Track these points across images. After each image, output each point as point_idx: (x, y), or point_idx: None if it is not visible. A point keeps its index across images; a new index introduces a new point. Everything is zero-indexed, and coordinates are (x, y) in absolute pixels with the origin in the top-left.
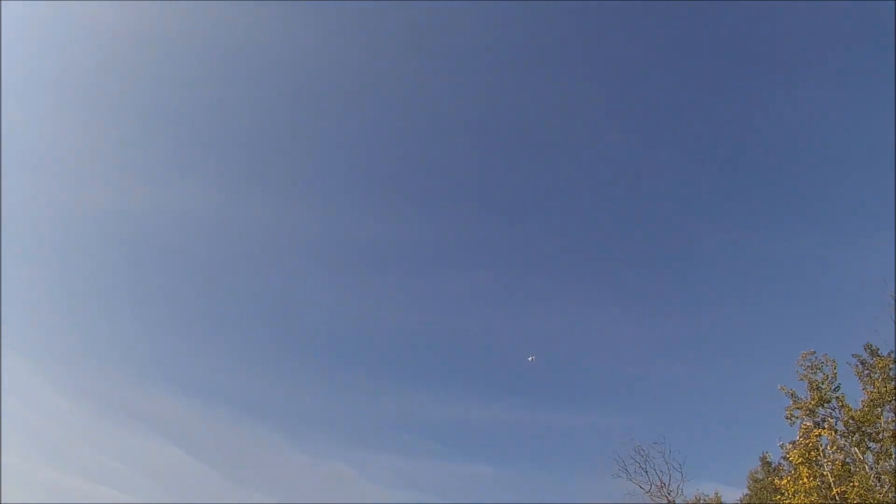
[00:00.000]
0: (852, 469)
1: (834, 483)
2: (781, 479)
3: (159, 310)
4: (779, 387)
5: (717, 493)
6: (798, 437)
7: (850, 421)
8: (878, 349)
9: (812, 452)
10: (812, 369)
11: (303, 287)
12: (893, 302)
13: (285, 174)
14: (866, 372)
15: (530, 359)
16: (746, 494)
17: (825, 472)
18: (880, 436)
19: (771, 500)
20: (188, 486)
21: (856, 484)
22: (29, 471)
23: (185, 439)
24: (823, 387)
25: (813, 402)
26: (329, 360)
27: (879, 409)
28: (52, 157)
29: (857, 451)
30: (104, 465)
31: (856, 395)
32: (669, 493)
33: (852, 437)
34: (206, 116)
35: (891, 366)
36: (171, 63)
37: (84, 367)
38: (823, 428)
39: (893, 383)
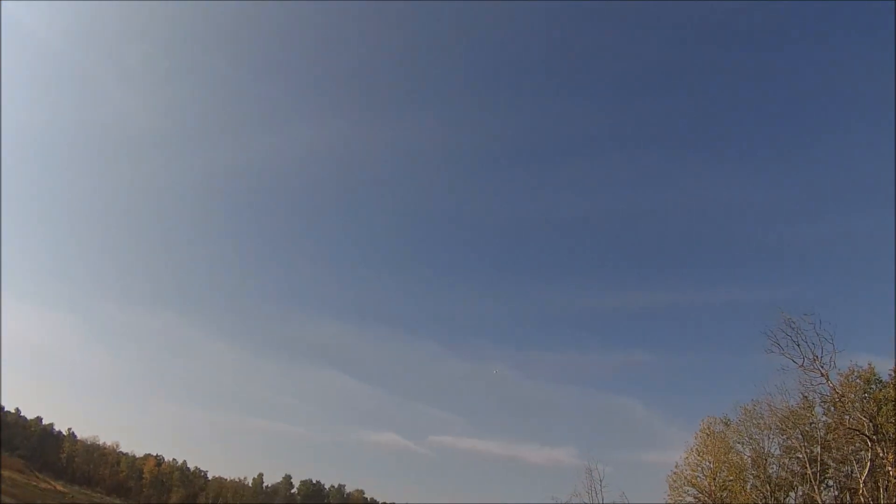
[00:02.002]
0: None
1: None
2: None
3: (301, 241)
4: None
5: (870, 365)
6: None
7: None
8: None
9: None
10: None
11: (443, 193)
12: None
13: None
14: None
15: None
16: None
17: None
18: None
19: None
20: (357, 408)
21: None
22: (213, 415)
23: (349, 364)
24: None
25: None
26: (476, 264)
27: None
28: (210, 115)
29: None
30: (273, 402)
31: None
32: (823, 366)
33: None
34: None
35: None
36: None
37: (235, 308)
38: None
39: None
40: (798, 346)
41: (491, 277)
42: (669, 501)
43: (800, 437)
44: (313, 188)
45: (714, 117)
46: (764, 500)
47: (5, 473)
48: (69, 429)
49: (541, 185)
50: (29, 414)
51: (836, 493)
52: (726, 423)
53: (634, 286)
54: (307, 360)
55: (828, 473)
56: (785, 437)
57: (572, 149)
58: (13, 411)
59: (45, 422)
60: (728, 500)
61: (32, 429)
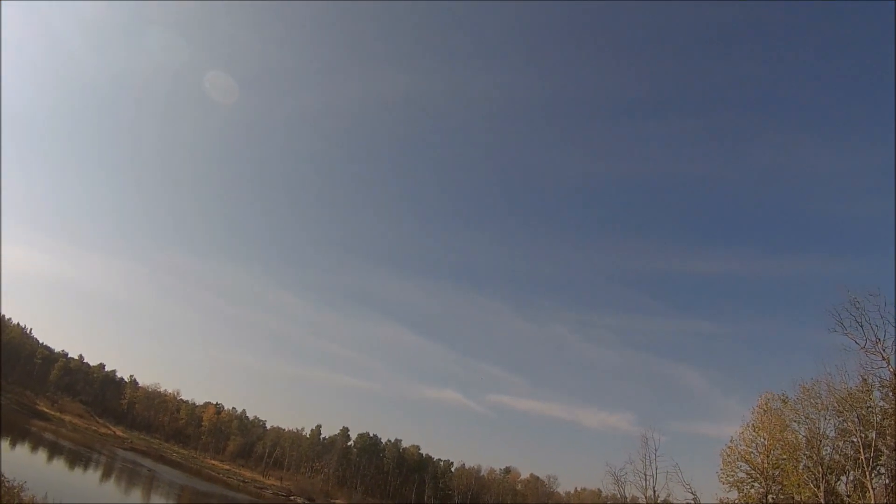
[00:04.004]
0: None
1: None
2: None
3: (370, 195)
4: None
5: None
6: None
7: None
8: None
9: None
10: None
11: (515, 150)
12: None
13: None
14: None
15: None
16: None
17: None
18: None
19: None
20: (419, 364)
21: None
22: (273, 366)
23: (412, 319)
24: None
25: None
26: (545, 224)
27: None
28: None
29: None
30: (336, 355)
31: None
32: (884, 350)
33: None
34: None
35: None
36: None
37: (300, 260)
38: None
39: None
40: (861, 326)
41: (558, 238)
42: (722, 476)
43: (856, 420)
44: (379, 140)
45: (790, 85)
46: (815, 482)
47: (66, 417)
48: (131, 376)
49: (614, 145)
50: (92, 360)
51: (888, 481)
52: (784, 401)
53: (702, 253)
54: (371, 314)
55: (880, 460)
56: (841, 419)
57: (646, 111)
58: (76, 357)
59: (107, 368)
60: (780, 480)
61: (95, 375)
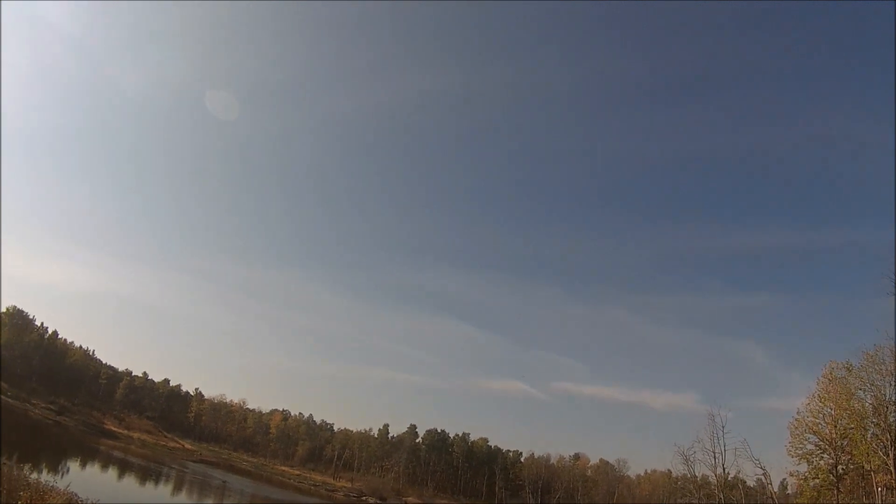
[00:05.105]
0: None
1: None
2: None
3: (419, 188)
4: None
5: None
6: None
7: None
8: None
9: None
10: None
11: (562, 133)
12: None
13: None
14: None
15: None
16: None
17: None
18: None
19: None
20: (480, 357)
21: None
22: (338, 369)
23: (470, 312)
24: None
25: None
26: (593, 206)
27: None
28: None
29: None
30: (398, 353)
31: None
32: None
33: None
34: None
35: None
36: None
37: (356, 262)
38: None
39: None
40: None
41: (609, 219)
42: (790, 449)
43: None
44: (428, 134)
45: (846, 51)
46: (884, 450)
47: (135, 434)
48: (196, 389)
49: (660, 123)
50: (156, 377)
51: None
52: (848, 369)
53: (755, 227)
54: (429, 310)
55: None
56: None
57: (692, 86)
58: (141, 375)
59: (172, 383)
60: (848, 449)
61: (160, 390)
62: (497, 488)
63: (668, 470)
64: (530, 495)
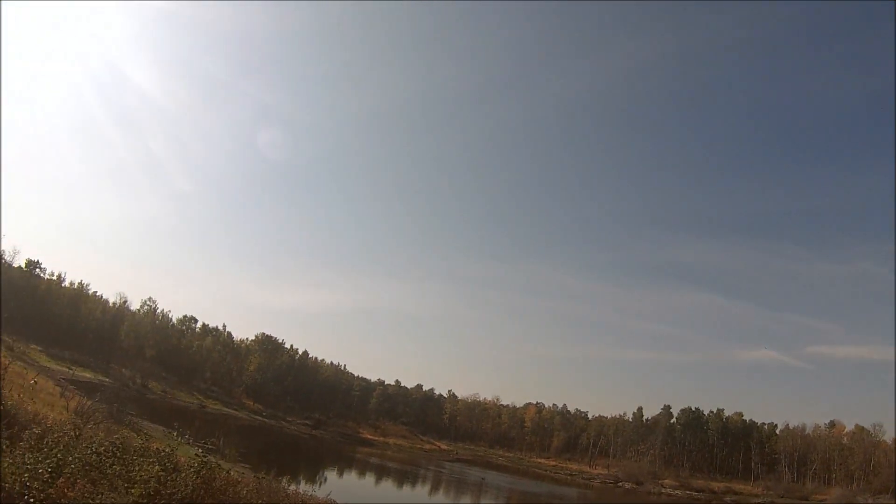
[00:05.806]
0: None
1: None
2: None
3: (650, 156)
4: None
5: None
6: None
7: None
8: None
9: None
10: None
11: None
12: None
13: None
14: None
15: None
16: None
17: None
18: None
19: None
20: (728, 327)
21: None
22: (589, 355)
23: (711, 281)
24: None
25: None
26: (833, 146)
27: None
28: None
29: None
30: (646, 331)
31: None
32: None
33: None
34: None
35: None
36: None
37: (599, 244)
38: None
39: None
40: None
41: (849, 161)
42: None
43: None
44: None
45: None
46: None
47: (390, 440)
48: (449, 390)
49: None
50: (409, 383)
51: None
52: None
53: None
54: (671, 284)
55: None
56: None
57: None
58: (393, 383)
59: (424, 388)
60: None
61: (413, 396)
62: (753, 464)
63: None
64: (786, 469)
